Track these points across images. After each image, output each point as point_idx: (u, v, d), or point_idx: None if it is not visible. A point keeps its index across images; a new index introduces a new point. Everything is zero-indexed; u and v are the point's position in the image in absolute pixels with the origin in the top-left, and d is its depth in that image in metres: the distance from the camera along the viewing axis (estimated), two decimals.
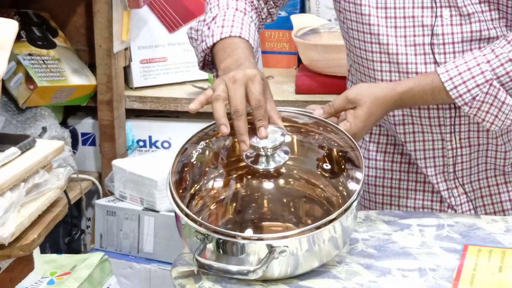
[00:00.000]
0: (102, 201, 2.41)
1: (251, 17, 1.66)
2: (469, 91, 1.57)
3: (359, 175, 1.44)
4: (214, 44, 1.58)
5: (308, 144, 1.58)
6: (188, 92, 2.62)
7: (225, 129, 1.38)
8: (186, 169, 1.50)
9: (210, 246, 1.37)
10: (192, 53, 2.67)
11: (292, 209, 1.51)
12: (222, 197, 1.49)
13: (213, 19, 1.62)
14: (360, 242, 1.54)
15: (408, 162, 1.79)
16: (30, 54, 2.44)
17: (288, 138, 1.47)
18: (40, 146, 1.34)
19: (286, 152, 1.46)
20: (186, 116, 2.61)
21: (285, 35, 2.75)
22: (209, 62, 1.66)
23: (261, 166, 1.45)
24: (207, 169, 1.51)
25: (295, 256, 1.38)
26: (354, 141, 1.49)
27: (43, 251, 1.95)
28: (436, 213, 1.73)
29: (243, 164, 1.49)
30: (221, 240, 1.37)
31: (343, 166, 1.51)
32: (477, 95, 1.57)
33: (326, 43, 2.48)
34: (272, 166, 1.45)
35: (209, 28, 1.61)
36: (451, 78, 1.57)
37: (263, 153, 1.43)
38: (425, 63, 1.67)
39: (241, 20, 1.61)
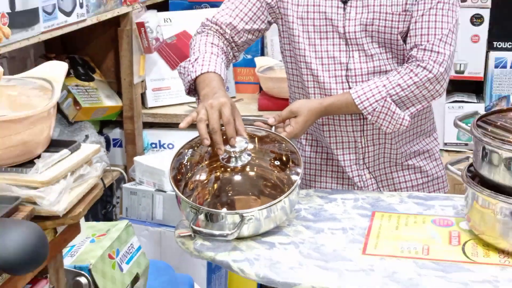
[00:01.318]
0: (127, 185, 2.40)
1: (222, 59, 1.67)
2: (370, 104, 1.61)
3: (299, 169, 1.51)
4: (196, 77, 1.60)
5: (265, 146, 1.62)
6: (185, 110, 2.61)
7: (207, 142, 1.46)
8: (181, 164, 1.55)
9: (201, 216, 1.41)
10: (182, 87, 2.69)
11: (256, 187, 1.54)
12: (207, 180, 1.53)
13: (195, 60, 1.63)
14: (302, 211, 1.58)
15: (332, 158, 1.81)
16: (76, 85, 2.43)
17: (250, 146, 1.52)
18: (83, 148, 1.34)
19: (249, 155, 1.52)
20: (180, 129, 2.62)
21: (250, 71, 2.75)
22: (192, 89, 1.67)
23: (231, 164, 1.51)
24: (195, 164, 1.54)
25: (259, 221, 1.41)
26: (294, 146, 1.58)
27: (86, 220, 1.94)
28: (353, 190, 1.76)
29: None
30: (208, 213, 1.39)
31: (288, 161, 1.55)
32: (376, 107, 1.60)
33: (279, 76, 2.49)
34: (239, 164, 1.51)
35: (193, 66, 1.63)
36: (359, 96, 1.61)
37: (233, 156, 1.49)
38: (342, 89, 1.70)
39: (215, 61, 1.63)
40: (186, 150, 1.58)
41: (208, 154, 1.56)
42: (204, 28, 1.75)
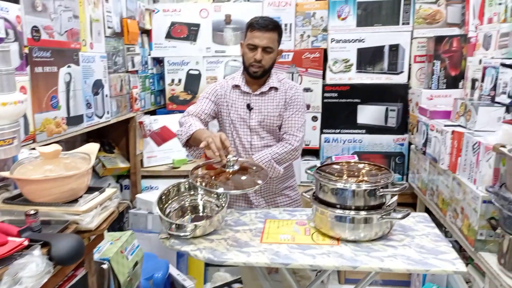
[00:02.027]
0: (132, 211, 2.30)
1: (202, 125, 1.58)
2: (263, 162, 1.60)
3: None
4: (193, 133, 1.51)
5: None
6: (165, 168, 2.54)
7: (217, 153, 1.32)
8: (161, 199, 1.46)
9: (173, 226, 1.36)
10: (163, 155, 2.60)
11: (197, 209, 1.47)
12: (176, 207, 1.46)
13: (190, 125, 1.54)
14: (228, 220, 1.53)
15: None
16: (104, 156, 2.34)
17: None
18: (107, 191, 1.28)
19: (237, 165, 1.36)
20: (162, 178, 2.51)
21: None
22: (186, 143, 1.56)
23: (228, 169, 1.35)
24: (169, 199, 1.47)
25: (205, 228, 1.37)
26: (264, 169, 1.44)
27: (108, 231, 1.84)
28: (254, 208, 1.72)
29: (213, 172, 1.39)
30: (177, 224, 1.35)
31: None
32: (265, 164, 1.60)
33: None
34: (232, 169, 1.35)
35: (189, 128, 1.53)
36: (257, 158, 1.60)
37: (230, 163, 1.34)
38: (248, 155, 1.69)
39: (201, 125, 1.55)
40: (164, 192, 1.49)
41: (176, 193, 1.51)
42: (187, 115, 1.66)
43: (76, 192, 1.17)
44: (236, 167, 1.34)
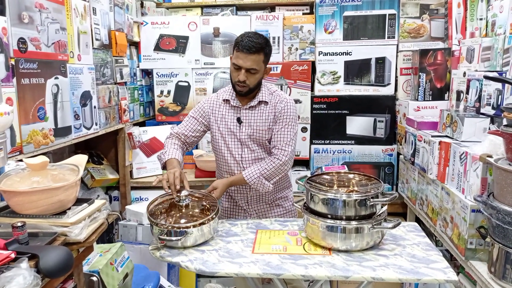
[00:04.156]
0: (122, 222, 2.25)
1: (180, 151, 1.67)
2: (252, 180, 1.61)
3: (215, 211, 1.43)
4: (166, 161, 1.60)
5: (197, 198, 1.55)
6: (153, 179, 2.51)
7: (167, 190, 1.47)
8: (151, 207, 1.46)
9: (164, 235, 1.34)
10: (153, 166, 2.57)
11: (194, 214, 1.45)
12: (166, 216, 1.43)
13: (165, 152, 1.64)
14: (219, 231, 1.52)
15: (236, 203, 1.77)
16: (92, 167, 2.30)
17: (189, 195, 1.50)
18: (96, 202, 1.25)
19: (189, 199, 1.48)
20: (151, 189, 2.48)
21: (191, 157, 2.66)
22: (164, 166, 1.63)
23: (180, 204, 1.45)
24: (159, 209, 1.46)
25: (195, 236, 1.36)
26: (216, 201, 1.51)
27: (97, 243, 1.79)
28: (246, 219, 1.72)
29: (174, 203, 1.47)
30: (167, 230, 1.33)
31: (210, 208, 1.48)
32: (255, 181, 1.61)
33: (205, 159, 2.46)
34: (184, 203, 1.45)
35: (164, 155, 1.62)
36: (246, 175, 1.60)
37: (182, 198, 1.46)
38: (238, 167, 1.69)
39: (175, 153, 1.63)
40: (154, 202, 1.49)
41: (167, 204, 1.50)
42: (171, 135, 1.73)
43: (64, 204, 1.15)
44: (187, 201, 1.47)
